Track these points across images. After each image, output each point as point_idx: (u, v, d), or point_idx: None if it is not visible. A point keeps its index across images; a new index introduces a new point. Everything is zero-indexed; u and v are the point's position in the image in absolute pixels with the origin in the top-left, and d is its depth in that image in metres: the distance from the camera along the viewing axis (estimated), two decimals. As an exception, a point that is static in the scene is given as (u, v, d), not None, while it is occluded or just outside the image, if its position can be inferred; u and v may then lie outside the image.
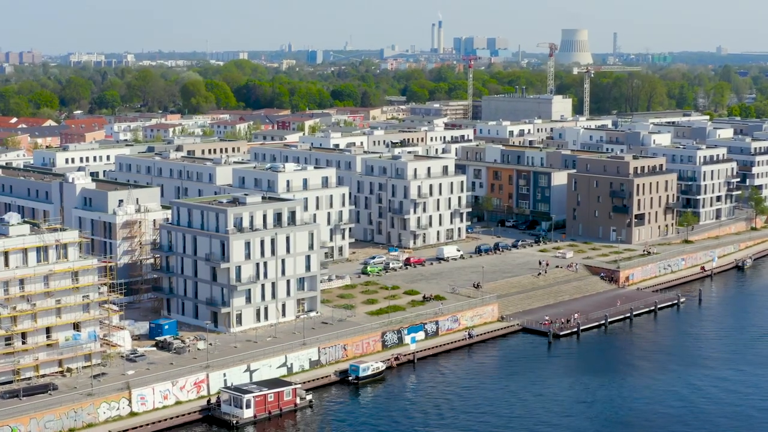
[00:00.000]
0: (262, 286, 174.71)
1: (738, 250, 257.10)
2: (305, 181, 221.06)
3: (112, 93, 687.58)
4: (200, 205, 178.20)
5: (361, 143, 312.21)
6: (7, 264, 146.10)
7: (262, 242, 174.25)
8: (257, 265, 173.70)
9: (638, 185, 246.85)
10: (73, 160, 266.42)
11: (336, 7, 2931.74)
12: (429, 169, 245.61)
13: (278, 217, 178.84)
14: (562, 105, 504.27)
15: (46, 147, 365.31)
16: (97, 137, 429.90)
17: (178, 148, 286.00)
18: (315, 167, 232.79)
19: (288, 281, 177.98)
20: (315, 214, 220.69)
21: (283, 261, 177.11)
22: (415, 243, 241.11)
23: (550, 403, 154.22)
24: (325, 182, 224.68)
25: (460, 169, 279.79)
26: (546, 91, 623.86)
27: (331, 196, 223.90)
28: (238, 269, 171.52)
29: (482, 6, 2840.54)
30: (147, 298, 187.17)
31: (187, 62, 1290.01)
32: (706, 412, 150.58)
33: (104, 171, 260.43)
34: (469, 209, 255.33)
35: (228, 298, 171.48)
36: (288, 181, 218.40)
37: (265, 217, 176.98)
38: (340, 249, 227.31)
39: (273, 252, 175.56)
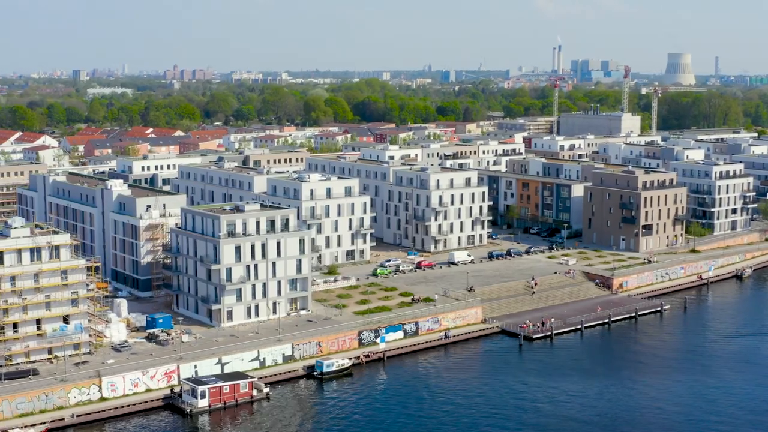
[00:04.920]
0: (253, 286, 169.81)
1: (744, 260, 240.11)
2: (328, 190, 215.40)
3: (249, 107, 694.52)
4: (201, 212, 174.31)
5: (416, 155, 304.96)
6: (2, 263, 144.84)
7: (252, 246, 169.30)
8: (248, 267, 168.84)
9: (645, 198, 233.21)
10: (148, 168, 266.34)
11: (474, 32, 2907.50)
12: (452, 180, 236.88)
13: (272, 224, 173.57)
14: (631, 122, 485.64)
15: (187, 154, 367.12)
16: (210, 147, 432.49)
17: (245, 159, 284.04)
18: (339, 177, 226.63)
19: (279, 282, 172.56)
20: (337, 221, 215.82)
21: (273, 264, 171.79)
22: (435, 248, 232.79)
23: (490, 401, 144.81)
24: (348, 191, 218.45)
25: (494, 180, 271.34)
26: (631, 108, 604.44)
27: (353, 204, 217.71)
28: (229, 270, 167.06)
29: (598, 32, 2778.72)
30: (164, 293, 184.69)
31: (335, 80, 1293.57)
32: (633, 419, 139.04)
33: (171, 178, 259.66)
34: (490, 217, 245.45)
35: (219, 296, 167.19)
36: (312, 190, 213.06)
37: (258, 223, 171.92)
38: (362, 252, 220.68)
39: (263, 255, 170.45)
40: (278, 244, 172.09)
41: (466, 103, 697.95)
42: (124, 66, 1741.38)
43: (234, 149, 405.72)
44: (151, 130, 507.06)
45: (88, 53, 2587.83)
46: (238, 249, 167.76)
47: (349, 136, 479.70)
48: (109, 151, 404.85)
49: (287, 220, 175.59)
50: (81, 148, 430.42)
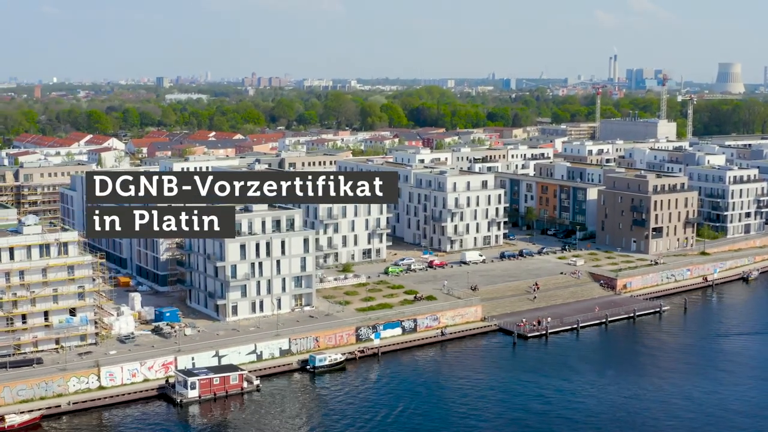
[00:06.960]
0: (258, 282, 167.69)
1: (753, 262, 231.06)
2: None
3: (311, 112, 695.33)
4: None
5: (446, 159, 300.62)
6: (12, 258, 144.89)
7: (257, 245, 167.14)
8: (252, 264, 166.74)
9: (656, 201, 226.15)
10: (187, 169, 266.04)
11: (537, 42, 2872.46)
12: (468, 183, 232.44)
13: (277, 223, 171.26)
14: (667, 128, 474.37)
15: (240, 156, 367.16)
16: (264, 149, 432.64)
17: (281, 161, 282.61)
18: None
19: (283, 279, 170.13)
20: (353, 221, 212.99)
21: (278, 261, 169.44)
22: (452, 248, 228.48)
23: (478, 395, 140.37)
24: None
25: (515, 183, 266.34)
26: (673, 115, 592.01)
27: (369, 204, 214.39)
28: (234, 267, 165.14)
29: (653, 42, 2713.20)
30: (179, 289, 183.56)
31: (400, 87, 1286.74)
32: (608, 419, 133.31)
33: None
34: (506, 219, 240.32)
35: (224, 291, 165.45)
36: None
37: (264, 223, 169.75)
38: (378, 251, 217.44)
39: (268, 253, 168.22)
40: (283, 243, 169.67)
41: (516, 110, 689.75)
42: (207, 73, 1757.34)
43: (285, 151, 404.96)
44: (213, 133, 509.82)
45: (175, 60, 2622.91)
46: (243, 247, 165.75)
47: (397, 140, 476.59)
48: (169, 153, 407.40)
49: (293, 220, 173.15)
50: (145, 150, 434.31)
